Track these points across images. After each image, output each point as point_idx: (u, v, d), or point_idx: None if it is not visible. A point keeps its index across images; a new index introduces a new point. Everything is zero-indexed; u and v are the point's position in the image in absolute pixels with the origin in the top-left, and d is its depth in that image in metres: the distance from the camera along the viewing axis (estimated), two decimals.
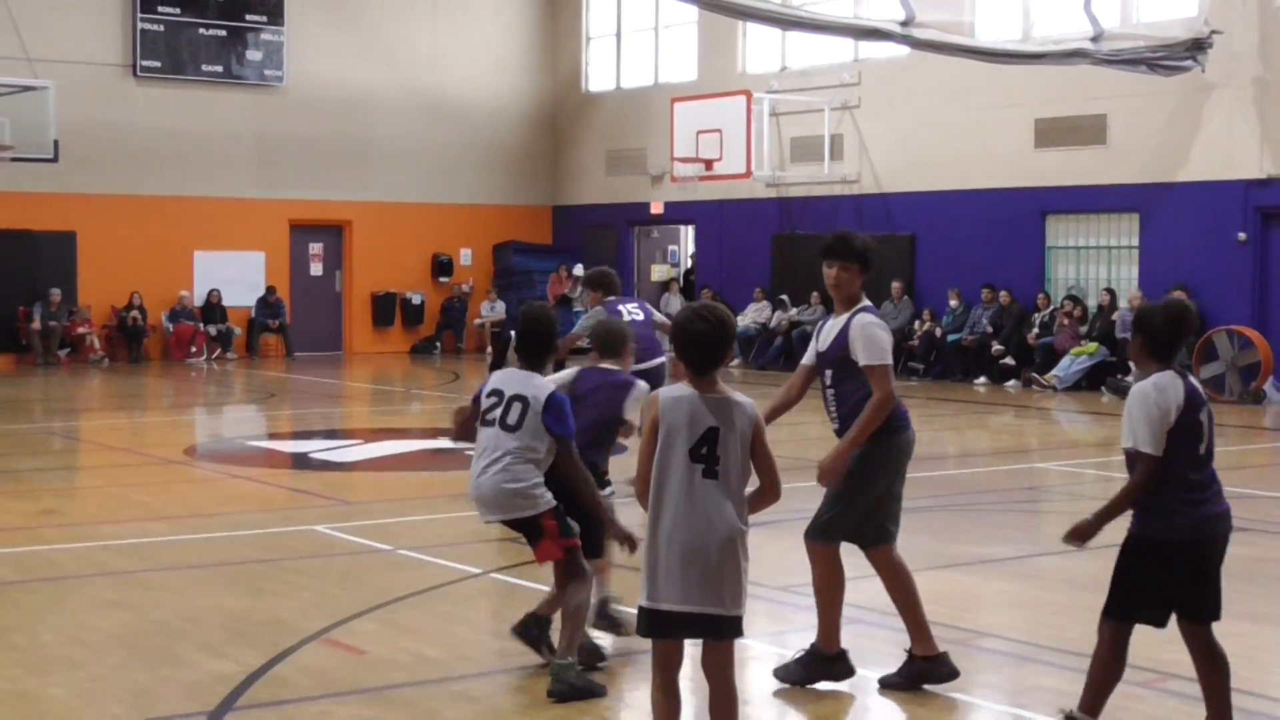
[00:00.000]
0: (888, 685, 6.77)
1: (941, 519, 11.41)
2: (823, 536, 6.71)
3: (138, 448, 15.74)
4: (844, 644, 6.86)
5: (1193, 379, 5.72)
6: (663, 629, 5.17)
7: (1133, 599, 5.72)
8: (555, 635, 6.81)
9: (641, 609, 5.18)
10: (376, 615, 8.11)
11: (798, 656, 6.86)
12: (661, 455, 5.16)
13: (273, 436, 17.26)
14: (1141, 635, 7.55)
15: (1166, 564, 5.63)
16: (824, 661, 6.81)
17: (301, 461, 14.86)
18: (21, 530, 10.60)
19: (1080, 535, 5.71)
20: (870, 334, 6.54)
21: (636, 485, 5.25)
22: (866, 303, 6.74)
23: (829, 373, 6.70)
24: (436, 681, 6.90)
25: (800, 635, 7.18)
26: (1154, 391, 5.55)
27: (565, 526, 6.66)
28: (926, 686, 6.73)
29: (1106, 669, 5.83)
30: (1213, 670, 5.77)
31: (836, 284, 6.70)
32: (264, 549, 9.88)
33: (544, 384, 6.71)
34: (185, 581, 8.95)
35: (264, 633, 7.59)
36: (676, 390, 5.24)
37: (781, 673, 6.86)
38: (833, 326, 6.72)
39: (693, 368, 5.25)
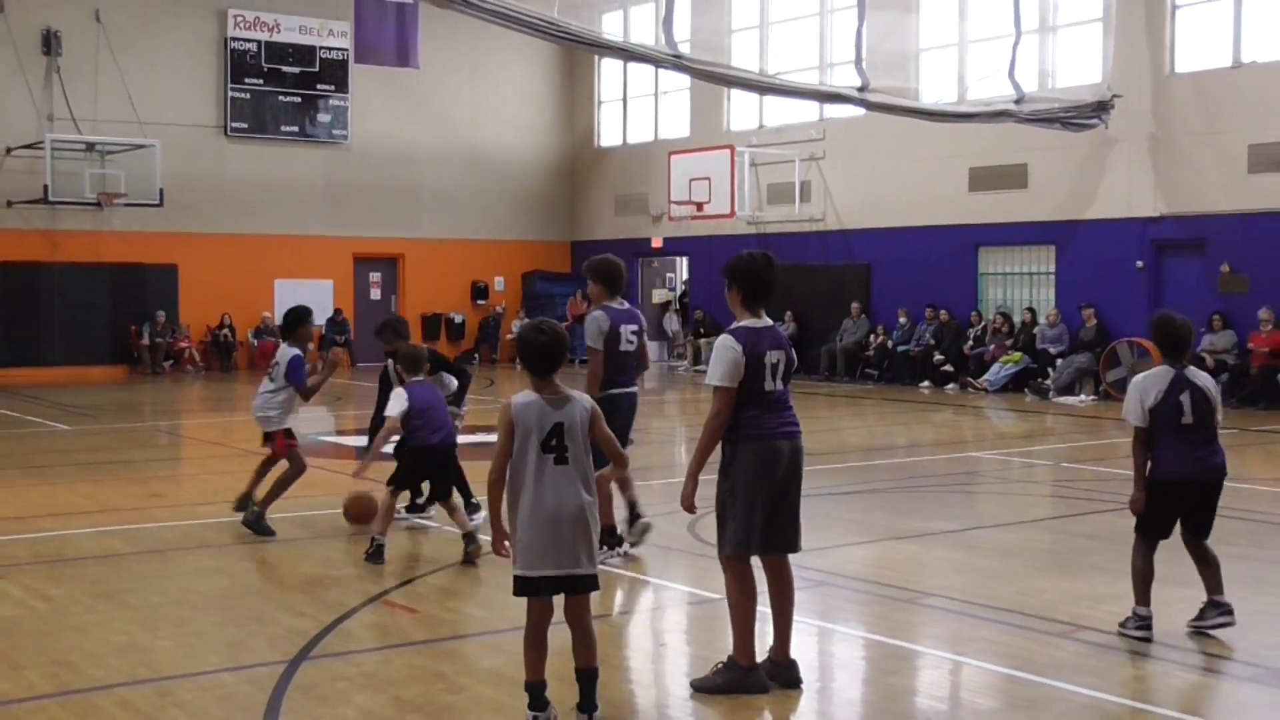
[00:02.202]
0: (700, 689, 5.71)
1: (893, 499, 11.40)
2: (721, 552, 5.80)
3: (229, 442, 15.73)
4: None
5: (1193, 371, 6.54)
6: (533, 590, 5.23)
7: (1147, 520, 6.59)
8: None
9: (514, 577, 5.24)
10: (426, 581, 8.13)
11: (716, 666, 5.80)
12: (518, 452, 5.17)
13: (339, 433, 17.25)
14: (1058, 595, 7.58)
15: (1164, 495, 6.53)
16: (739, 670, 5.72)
17: (363, 454, 14.79)
18: (134, 510, 10.61)
19: (1134, 503, 6.62)
20: (715, 354, 5.67)
21: (491, 475, 5.25)
22: (739, 321, 5.80)
23: None
24: (476, 635, 6.91)
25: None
26: (1139, 382, 6.57)
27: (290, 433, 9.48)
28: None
29: (1136, 569, 6.64)
30: (1204, 566, 6.69)
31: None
32: (333, 527, 9.88)
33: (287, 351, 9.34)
34: (269, 552, 8.96)
35: (334, 595, 7.60)
36: (523, 398, 5.22)
37: (699, 684, 5.77)
38: None
39: (535, 373, 5.24)
